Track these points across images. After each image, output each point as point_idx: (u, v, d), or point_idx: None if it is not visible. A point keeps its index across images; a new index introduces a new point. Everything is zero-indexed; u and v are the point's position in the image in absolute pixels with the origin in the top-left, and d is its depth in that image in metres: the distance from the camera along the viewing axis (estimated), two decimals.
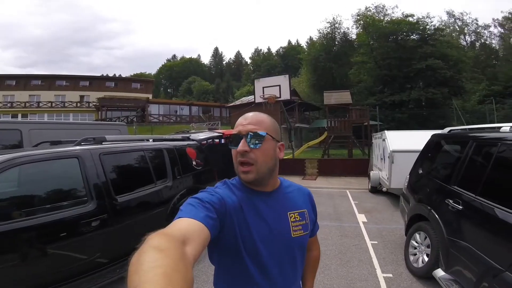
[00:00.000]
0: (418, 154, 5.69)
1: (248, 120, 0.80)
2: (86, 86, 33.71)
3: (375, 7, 26.70)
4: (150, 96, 33.91)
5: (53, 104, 30.55)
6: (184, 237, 0.55)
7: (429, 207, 2.87)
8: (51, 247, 2.07)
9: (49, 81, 32.42)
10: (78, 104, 31.38)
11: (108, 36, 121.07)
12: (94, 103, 29.94)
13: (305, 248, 0.89)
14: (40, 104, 30.14)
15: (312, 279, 1.05)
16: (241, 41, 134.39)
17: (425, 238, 2.91)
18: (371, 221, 5.24)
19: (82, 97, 32.63)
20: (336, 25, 28.70)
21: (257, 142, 0.77)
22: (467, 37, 32.00)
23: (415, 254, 3.08)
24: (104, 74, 46.13)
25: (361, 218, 5.43)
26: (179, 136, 4.25)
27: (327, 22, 28.92)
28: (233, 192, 0.80)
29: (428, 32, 23.19)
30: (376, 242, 4.10)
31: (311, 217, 0.92)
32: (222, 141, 7.13)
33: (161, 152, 3.31)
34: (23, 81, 31.71)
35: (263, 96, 10.32)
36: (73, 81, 33.36)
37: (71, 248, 2.19)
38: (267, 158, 0.79)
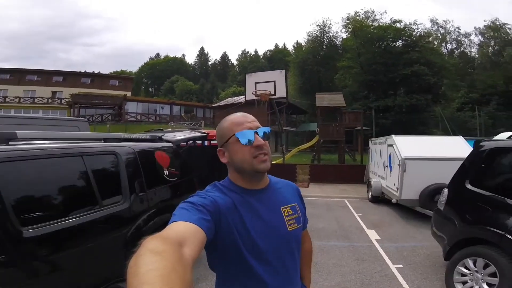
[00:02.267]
0: (434, 162, 5.18)
1: (250, 118, 0.84)
2: (59, 82, 31.61)
3: (364, 12, 26.48)
4: (128, 93, 31.96)
5: (21, 100, 28.31)
6: (181, 239, 0.55)
7: (499, 231, 2.30)
8: None
9: (18, 76, 30.19)
10: (49, 101, 29.22)
11: (89, 33, 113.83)
12: (67, 100, 27.81)
13: (300, 241, 0.91)
14: (7, 100, 27.86)
15: (309, 271, 1.06)
16: (228, 42, 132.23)
17: (485, 265, 2.44)
18: (385, 238, 4.52)
19: (54, 93, 30.57)
20: (325, 29, 28.40)
21: (268, 136, 0.84)
22: (448, 44, 32.68)
23: (465, 282, 2.64)
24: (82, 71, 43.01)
25: (372, 234, 4.67)
26: (146, 135, 3.18)
27: (317, 25, 28.53)
28: (224, 193, 0.80)
29: (414, 38, 23.34)
30: (401, 266, 3.46)
31: (301, 210, 0.93)
32: (206, 143, 6.08)
33: (114, 158, 2.25)
34: None
35: (255, 92, 9.25)
36: (45, 76, 31.16)
37: None
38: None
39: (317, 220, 5.34)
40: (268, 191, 0.86)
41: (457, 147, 5.48)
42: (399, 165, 5.31)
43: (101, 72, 40.79)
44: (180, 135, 4.05)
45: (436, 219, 3.22)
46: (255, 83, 9.51)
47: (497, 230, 2.33)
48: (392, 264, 3.49)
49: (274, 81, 9.29)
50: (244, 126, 0.80)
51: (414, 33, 23.74)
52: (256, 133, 0.79)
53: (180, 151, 3.51)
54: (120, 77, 38.98)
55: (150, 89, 62.05)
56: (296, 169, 10.19)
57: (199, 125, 19.67)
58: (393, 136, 6.04)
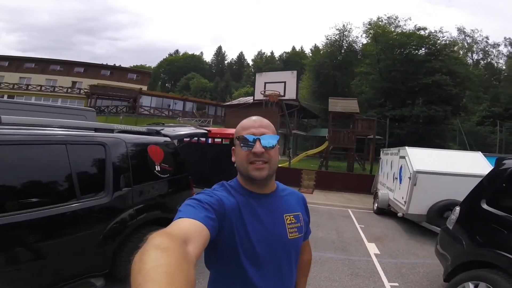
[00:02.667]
0: (447, 177, 4.86)
1: (258, 123, 0.83)
2: (80, 73, 32.83)
3: (387, 17, 25.63)
4: (145, 87, 32.68)
5: (43, 88, 29.61)
6: (186, 236, 0.55)
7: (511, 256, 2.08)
8: None
9: (42, 65, 31.67)
10: (69, 90, 30.33)
11: (115, 28, 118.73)
12: (85, 90, 28.75)
13: (299, 250, 0.90)
14: (29, 87, 29.30)
15: (305, 282, 1.06)
16: (245, 42, 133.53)
17: None
18: (385, 252, 4.27)
19: (74, 83, 31.81)
20: (345, 33, 27.75)
21: (272, 144, 0.81)
22: (474, 55, 31.02)
23: None
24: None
25: (372, 248, 4.43)
26: (142, 128, 3.11)
27: (336, 29, 27.93)
28: (231, 194, 0.81)
29: (438, 47, 22.36)
30: (396, 284, 3.27)
31: (305, 220, 0.93)
32: (209, 141, 6.00)
33: (102, 149, 2.19)
34: (16, 63, 31.06)
35: (264, 92, 9.02)
36: (68, 67, 32.50)
37: None
38: (277, 158, 0.84)
39: (316, 229, 5.14)
40: (274, 197, 0.87)
41: (475, 164, 5.15)
42: (409, 178, 5.02)
43: (122, 66, 42.00)
44: (180, 131, 3.97)
45: (442, 237, 2.99)
46: (265, 83, 9.26)
47: (508, 255, 2.11)
48: (387, 282, 3.29)
49: (284, 82, 8.98)
50: (249, 131, 0.80)
51: (438, 41, 22.75)
52: (259, 139, 0.79)
53: (177, 147, 3.43)
54: (139, 71, 39.96)
55: (167, 84, 63.26)
56: (302, 174, 9.96)
57: (208, 123, 19.74)
58: (406, 147, 5.73)
